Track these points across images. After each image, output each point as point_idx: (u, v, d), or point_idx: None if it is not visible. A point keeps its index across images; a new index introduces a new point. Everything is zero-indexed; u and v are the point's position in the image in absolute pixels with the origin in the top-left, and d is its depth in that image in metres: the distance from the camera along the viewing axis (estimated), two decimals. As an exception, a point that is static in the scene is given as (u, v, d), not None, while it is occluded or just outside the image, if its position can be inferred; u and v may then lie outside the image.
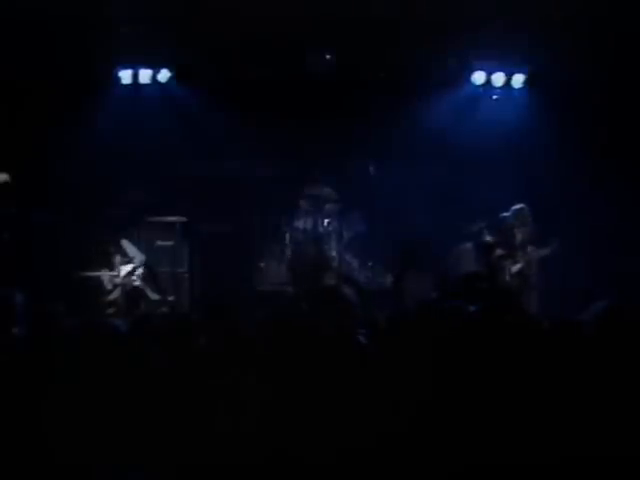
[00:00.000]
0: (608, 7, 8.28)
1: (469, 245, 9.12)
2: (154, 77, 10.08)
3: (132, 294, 8.82)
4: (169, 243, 9.48)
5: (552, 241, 8.54)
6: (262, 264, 9.60)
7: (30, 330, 4.26)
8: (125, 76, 10.02)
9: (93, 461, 3.23)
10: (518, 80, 10.14)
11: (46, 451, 3.25)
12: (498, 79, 10.14)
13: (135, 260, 8.90)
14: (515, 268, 8.64)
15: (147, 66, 10.01)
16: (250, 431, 3.41)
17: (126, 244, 8.95)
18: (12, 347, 4.02)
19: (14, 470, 3.24)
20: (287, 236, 9.44)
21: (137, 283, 8.88)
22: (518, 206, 8.70)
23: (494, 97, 10.28)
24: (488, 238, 8.73)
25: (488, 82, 10.17)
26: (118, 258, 8.86)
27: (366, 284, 9.17)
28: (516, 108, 10.19)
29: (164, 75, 10.07)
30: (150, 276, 9.06)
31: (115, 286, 8.81)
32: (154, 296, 9.05)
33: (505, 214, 8.76)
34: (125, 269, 8.86)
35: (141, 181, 9.83)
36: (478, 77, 10.12)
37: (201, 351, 4.00)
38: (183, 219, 9.44)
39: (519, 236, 8.71)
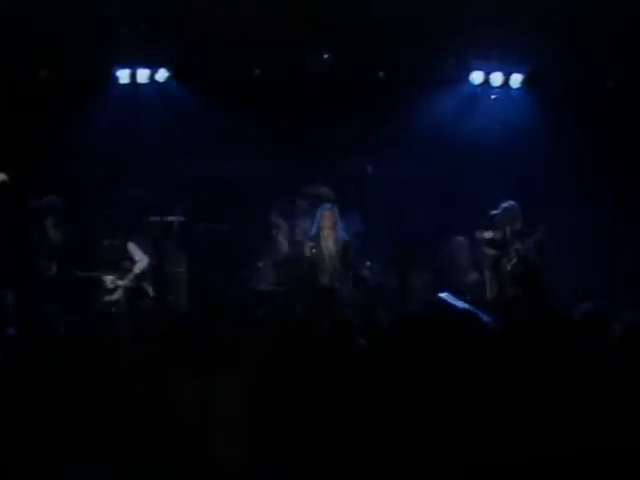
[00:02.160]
0: (607, 7, 8.28)
1: (461, 239, 9.13)
2: (152, 76, 10.07)
3: (135, 295, 8.84)
4: (167, 243, 9.47)
5: (539, 228, 8.53)
6: (260, 264, 9.58)
7: (22, 330, 4.26)
8: (123, 75, 10.00)
9: (87, 460, 3.22)
10: (516, 80, 10.14)
11: (40, 449, 3.24)
12: (496, 79, 10.14)
13: (141, 263, 8.91)
14: (510, 265, 8.63)
15: (145, 65, 10.00)
16: (249, 430, 3.40)
17: (132, 247, 8.96)
18: (5, 347, 4.02)
19: (7, 468, 3.23)
20: (284, 235, 9.44)
21: (141, 284, 8.91)
22: (507, 204, 8.69)
23: (492, 97, 10.28)
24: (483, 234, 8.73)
25: (486, 82, 10.17)
26: (127, 262, 8.88)
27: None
28: (514, 108, 10.18)
29: (162, 74, 10.05)
30: (154, 278, 9.07)
31: (117, 287, 8.81)
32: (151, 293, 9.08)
33: (494, 212, 8.75)
34: (131, 271, 8.88)
35: (140, 180, 9.82)
36: (476, 77, 10.12)
37: (199, 350, 3.99)
38: (182, 219, 9.42)
39: (508, 233, 8.71)
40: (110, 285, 8.80)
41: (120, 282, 8.79)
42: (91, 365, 3.54)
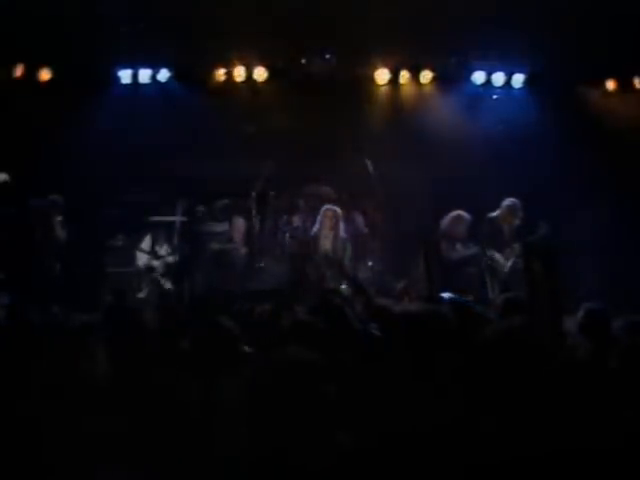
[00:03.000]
0: (607, 7, 8.28)
1: (462, 212, 8.88)
2: (154, 77, 10.09)
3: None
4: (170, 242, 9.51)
5: (540, 226, 8.48)
6: (262, 264, 9.59)
7: (7, 330, 4.27)
8: (125, 75, 10.04)
9: (86, 460, 3.22)
10: (518, 80, 10.14)
11: (37, 450, 3.24)
12: (498, 79, 10.14)
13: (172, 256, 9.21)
14: (507, 266, 8.60)
15: (147, 66, 10.02)
16: (250, 430, 3.39)
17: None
18: None
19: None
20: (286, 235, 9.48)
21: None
22: (508, 201, 8.66)
23: (494, 97, 10.29)
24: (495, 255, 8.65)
25: (488, 82, 10.18)
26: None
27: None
28: (516, 108, 10.18)
29: (164, 75, 10.08)
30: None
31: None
32: (168, 285, 9.20)
33: (492, 214, 8.72)
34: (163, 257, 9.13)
35: (141, 180, 9.83)
36: (478, 77, 10.13)
37: (201, 350, 3.99)
38: (183, 219, 9.44)
39: (507, 232, 8.68)
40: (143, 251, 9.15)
41: (155, 262, 9.11)
42: (80, 366, 3.54)
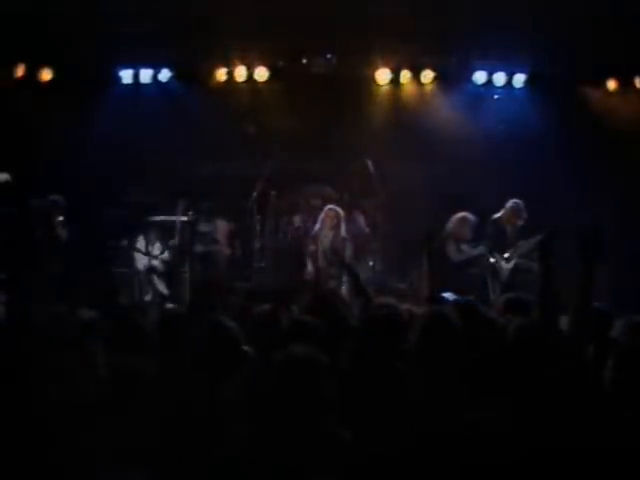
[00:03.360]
0: (608, 7, 8.28)
1: (470, 215, 8.83)
2: (155, 77, 10.10)
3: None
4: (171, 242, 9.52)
5: (546, 228, 8.41)
6: (262, 264, 9.60)
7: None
8: (126, 76, 10.05)
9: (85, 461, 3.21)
10: (519, 80, 10.15)
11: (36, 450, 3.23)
12: (499, 79, 10.14)
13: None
14: (509, 266, 8.59)
15: (148, 66, 10.03)
16: (252, 430, 3.38)
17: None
18: None
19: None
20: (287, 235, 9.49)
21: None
22: (512, 202, 8.65)
23: (495, 97, 10.29)
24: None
25: (489, 82, 10.18)
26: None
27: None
28: (517, 108, 10.18)
29: (165, 75, 10.09)
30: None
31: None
32: (164, 290, 9.19)
33: (495, 215, 8.70)
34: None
35: (141, 181, 9.83)
36: (479, 77, 10.13)
37: (202, 351, 3.98)
38: (183, 218, 9.44)
39: (510, 233, 8.67)
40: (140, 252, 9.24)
41: (154, 262, 9.20)
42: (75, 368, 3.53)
